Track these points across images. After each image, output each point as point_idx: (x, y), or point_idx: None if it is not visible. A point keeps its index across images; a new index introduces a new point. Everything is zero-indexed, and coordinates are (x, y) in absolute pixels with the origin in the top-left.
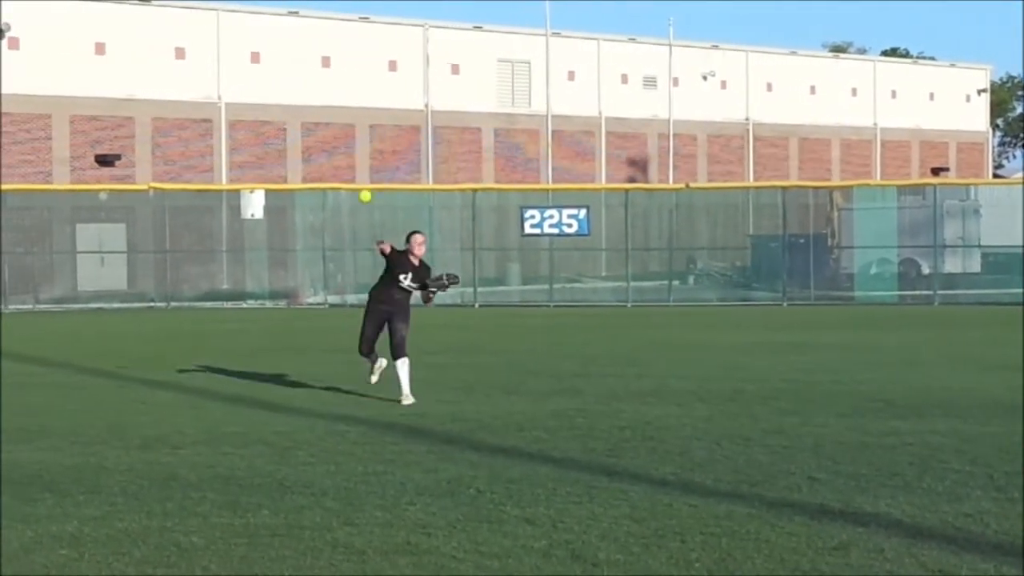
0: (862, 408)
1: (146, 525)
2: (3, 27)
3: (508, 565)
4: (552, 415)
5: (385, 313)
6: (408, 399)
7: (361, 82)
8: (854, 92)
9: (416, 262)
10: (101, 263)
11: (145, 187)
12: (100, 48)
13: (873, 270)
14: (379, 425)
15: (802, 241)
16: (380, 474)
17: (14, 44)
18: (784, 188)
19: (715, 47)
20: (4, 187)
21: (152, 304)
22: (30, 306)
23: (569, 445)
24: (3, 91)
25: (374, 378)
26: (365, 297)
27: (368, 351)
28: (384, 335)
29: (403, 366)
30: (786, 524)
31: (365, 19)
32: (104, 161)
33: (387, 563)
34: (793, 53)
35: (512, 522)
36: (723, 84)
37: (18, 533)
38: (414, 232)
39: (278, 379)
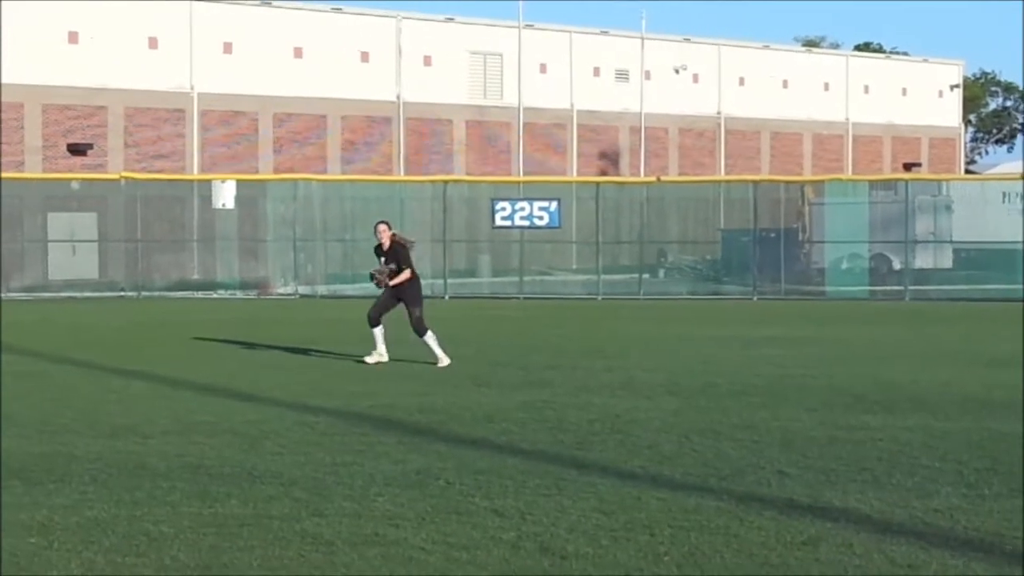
0: (832, 403)
1: (115, 514)
2: None
3: (477, 557)
4: (521, 407)
5: (393, 295)
6: (442, 362)
7: (333, 73)
8: (826, 87)
9: (385, 248)
10: (72, 252)
11: (117, 176)
12: (73, 37)
13: (844, 265)
14: (348, 416)
15: (773, 235)
16: (349, 465)
17: None
18: (755, 182)
19: (687, 40)
20: None
21: (123, 293)
22: (0, 294)
23: (538, 437)
24: None
25: (368, 359)
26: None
27: (372, 323)
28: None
29: (429, 340)
30: (755, 518)
31: (338, 10)
32: (76, 150)
33: (356, 554)
34: (766, 47)
35: (481, 514)
36: (695, 78)
37: None
38: (377, 223)
39: (247, 369)
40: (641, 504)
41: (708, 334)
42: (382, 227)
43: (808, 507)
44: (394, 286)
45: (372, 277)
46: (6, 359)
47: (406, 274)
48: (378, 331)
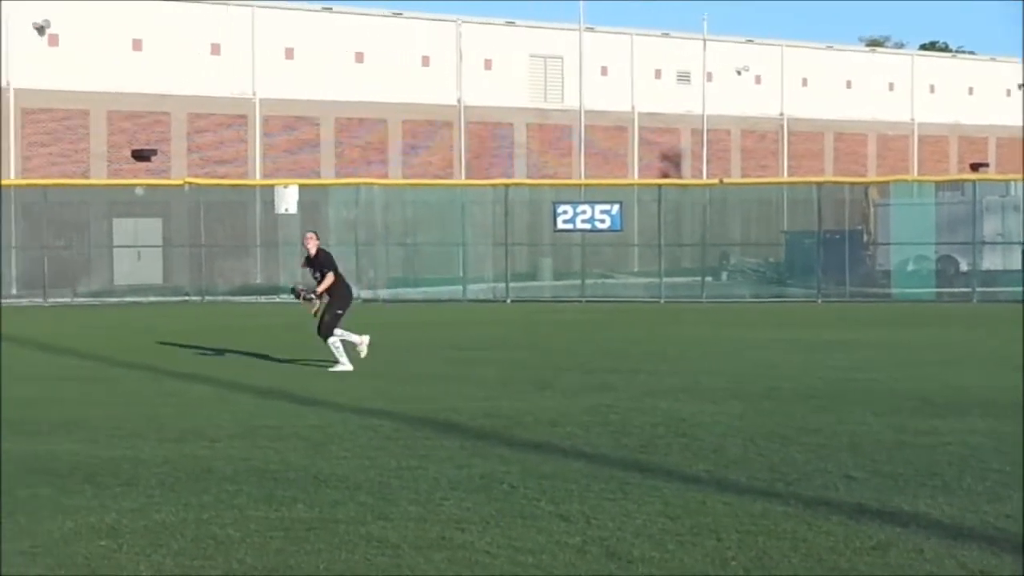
0: (899, 406)
1: (183, 517)
2: (43, 24)
3: (542, 561)
4: (585, 411)
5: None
6: (342, 367)
7: (394, 77)
8: (891, 87)
9: (312, 256)
10: (137, 257)
11: (180, 182)
12: (137, 44)
13: (910, 267)
14: (412, 420)
15: (837, 237)
16: (413, 469)
17: (54, 41)
18: (819, 184)
19: (750, 41)
20: (44, 182)
21: (187, 298)
22: (68, 299)
23: (602, 441)
24: (42, 87)
25: (362, 353)
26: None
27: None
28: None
29: (332, 344)
30: (823, 523)
31: (398, 15)
32: (140, 156)
33: (421, 558)
34: (829, 47)
35: (546, 518)
36: (757, 79)
37: (58, 524)
38: (306, 232)
39: (312, 373)
40: (707, 508)
41: (772, 337)
42: (310, 235)
43: (877, 512)
44: (321, 293)
45: (295, 292)
46: (73, 363)
47: (330, 278)
48: (338, 333)
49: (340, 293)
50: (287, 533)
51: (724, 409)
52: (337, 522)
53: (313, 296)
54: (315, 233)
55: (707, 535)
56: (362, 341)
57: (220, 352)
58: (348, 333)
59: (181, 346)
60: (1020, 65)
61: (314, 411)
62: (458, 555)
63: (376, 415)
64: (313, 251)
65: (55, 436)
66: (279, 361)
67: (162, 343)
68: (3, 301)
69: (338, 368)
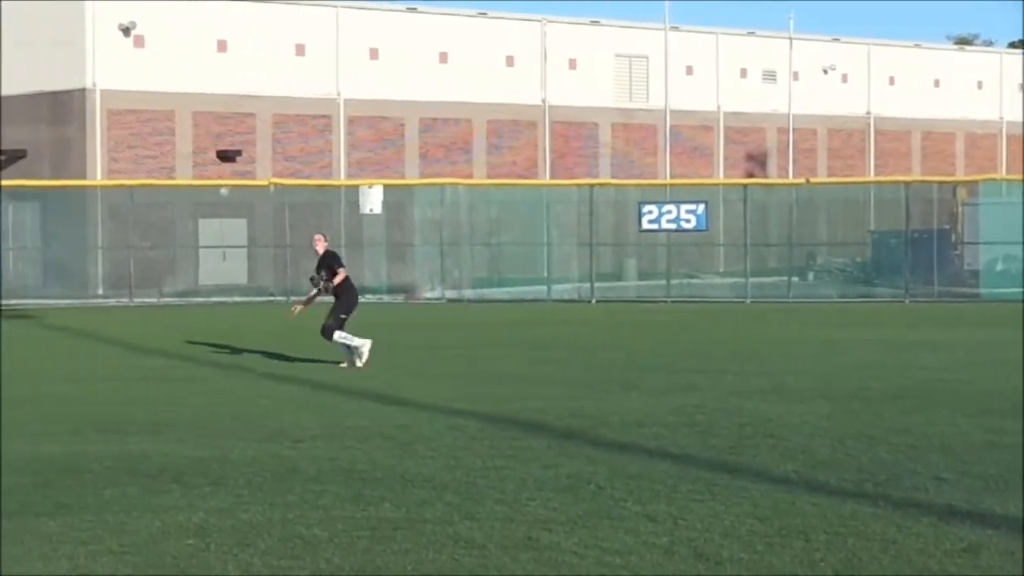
0: (989, 408)
1: (270, 517)
2: (129, 25)
3: (630, 562)
4: (671, 411)
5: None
6: (351, 366)
7: (478, 77)
8: (980, 85)
9: (320, 256)
10: (222, 258)
11: (265, 183)
12: (222, 45)
13: (999, 266)
14: (498, 420)
15: (925, 237)
16: (500, 469)
17: (139, 42)
18: (907, 183)
19: (836, 40)
20: (130, 183)
21: (272, 298)
22: (154, 300)
23: (689, 442)
24: (128, 88)
25: (359, 363)
26: (483, 292)
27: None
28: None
29: (338, 339)
30: (913, 524)
31: (483, 15)
32: (225, 157)
33: (508, 558)
34: (917, 46)
35: (633, 519)
36: (844, 78)
37: (147, 523)
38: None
39: (396, 373)
40: (796, 509)
41: (859, 337)
42: (319, 237)
43: (968, 513)
44: (335, 287)
45: (313, 280)
46: (161, 364)
47: (342, 273)
48: (339, 336)
49: (347, 296)
50: (374, 533)
51: (812, 409)
52: (424, 522)
53: (320, 288)
54: (324, 235)
55: (796, 536)
56: (364, 344)
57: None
58: (350, 336)
59: (268, 346)
60: None
61: (401, 411)
62: (545, 555)
63: (462, 415)
64: (321, 251)
65: (143, 436)
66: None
67: (249, 344)
68: (87, 301)
69: (362, 358)
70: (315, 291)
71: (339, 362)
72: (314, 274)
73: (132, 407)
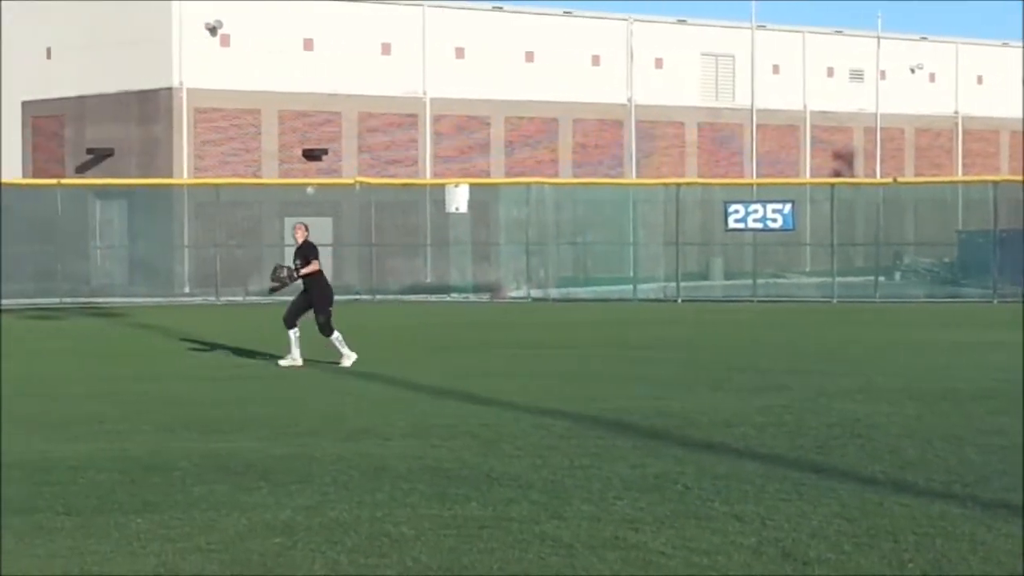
0: None
1: (357, 515)
2: (215, 24)
3: (717, 562)
4: (759, 411)
5: (306, 297)
6: (346, 360)
7: (564, 76)
8: None
9: (298, 245)
10: None
11: (352, 181)
12: (308, 44)
13: None
14: (583, 419)
15: (1013, 236)
16: (586, 468)
17: (225, 41)
18: (995, 182)
19: (924, 39)
20: (216, 181)
21: (358, 297)
22: (240, 298)
23: (776, 442)
24: (214, 87)
25: (282, 362)
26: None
27: (287, 325)
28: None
29: (335, 341)
30: (1002, 525)
31: (569, 14)
32: (311, 156)
33: (595, 557)
34: (1004, 45)
35: (720, 519)
36: (931, 77)
37: (233, 521)
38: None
39: (482, 372)
40: (884, 510)
41: (947, 338)
42: (299, 226)
43: None
44: (304, 276)
45: (277, 270)
46: (248, 362)
47: (316, 264)
48: (293, 333)
49: (324, 292)
50: (460, 531)
51: (900, 410)
52: (510, 520)
53: (286, 279)
54: (304, 225)
55: (884, 537)
56: (292, 357)
57: (392, 351)
58: (296, 342)
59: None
60: None
61: (487, 410)
62: (632, 555)
63: (548, 414)
64: (300, 240)
65: (231, 434)
66: (451, 360)
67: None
68: (174, 299)
69: (345, 362)
70: (277, 284)
71: (335, 361)
72: (280, 264)
73: (219, 405)
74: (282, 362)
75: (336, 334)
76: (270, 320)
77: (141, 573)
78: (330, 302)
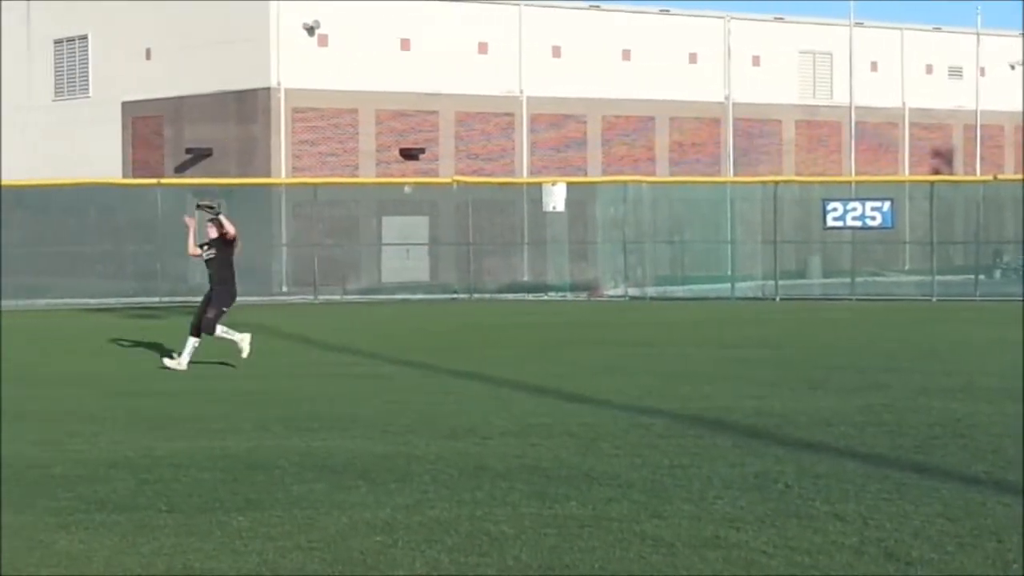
0: None
1: (457, 513)
2: (313, 24)
3: (819, 561)
4: (858, 410)
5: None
6: (179, 364)
7: (661, 74)
8: None
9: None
10: (406, 255)
11: (449, 181)
12: (405, 44)
13: None
14: (682, 418)
15: None
16: (686, 467)
17: (323, 41)
18: None
19: None
20: (314, 180)
21: (455, 296)
22: (338, 297)
23: (877, 441)
24: (312, 87)
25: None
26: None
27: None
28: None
29: (222, 336)
30: None
31: (665, 12)
32: (409, 155)
33: (696, 557)
34: None
35: (822, 518)
36: None
37: (334, 520)
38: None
39: (580, 371)
40: (987, 510)
41: None
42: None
43: None
44: (222, 276)
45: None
46: (346, 360)
47: (237, 244)
48: (220, 330)
49: (229, 289)
50: (560, 530)
51: (1001, 409)
52: (611, 520)
53: (212, 210)
54: (220, 222)
55: (987, 537)
56: (244, 338)
57: (491, 350)
58: (231, 330)
59: (452, 344)
60: None
61: (586, 409)
62: (733, 554)
63: (647, 413)
64: (215, 236)
65: (329, 432)
66: (549, 359)
67: (433, 341)
68: (272, 298)
69: (243, 352)
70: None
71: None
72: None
73: (317, 403)
74: (167, 361)
75: (220, 328)
76: (368, 319)
77: (243, 571)
78: (229, 303)
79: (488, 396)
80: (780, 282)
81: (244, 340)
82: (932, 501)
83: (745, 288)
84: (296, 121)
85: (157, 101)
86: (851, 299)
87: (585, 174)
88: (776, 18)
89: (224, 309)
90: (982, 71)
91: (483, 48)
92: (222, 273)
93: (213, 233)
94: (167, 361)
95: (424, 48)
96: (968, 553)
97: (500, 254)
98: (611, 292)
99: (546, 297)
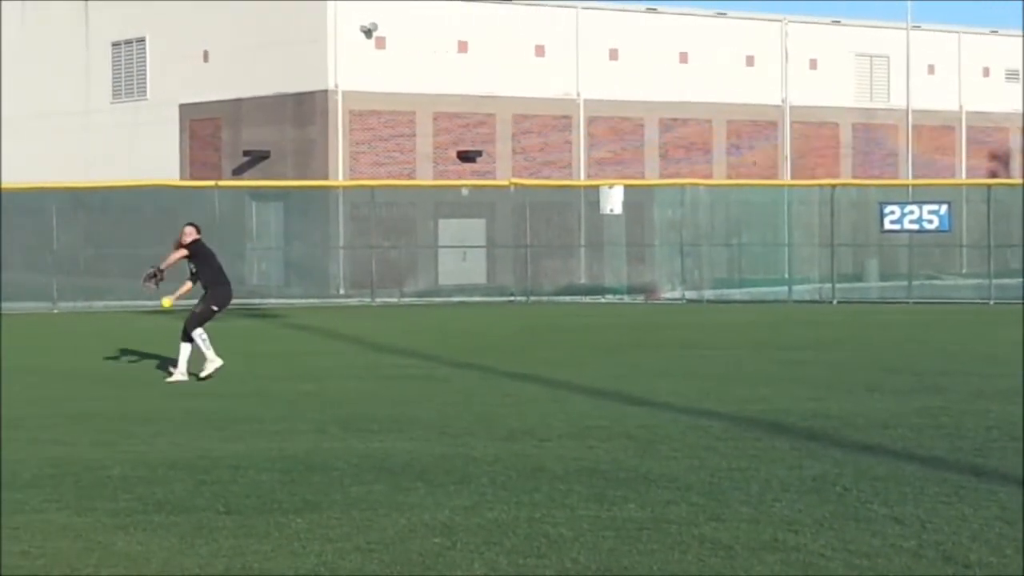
0: None
1: (515, 515)
2: (370, 27)
3: (878, 564)
4: (916, 413)
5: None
6: (176, 375)
7: (718, 77)
8: None
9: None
10: (463, 257)
11: (506, 183)
12: (463, 46)
13: None
14: (740, 421)
15: None
16: (744, 470)
17: (380, 44)
18: None
19: None
20: (371, 183)
21: (512, 298)
22: (395, 299)
23: (935, 444)
24: (369, 89)
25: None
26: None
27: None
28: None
29: (195, 339)
30: None
31: (722, 15)
32: (466, 157)
33: (755, 559)
34: None
35: (880, 521)
36: None
37: (392, 521)
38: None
39: (638, 373)
40: None
41: None
42: (188, 229)
43: None
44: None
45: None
46: (405, 362)
47: (187, 286)
48: (199, 331)
49: (223, 290)
50: (619, 533)
51: None
52: (669, 522)
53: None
54: (196, 226)
55: None
56: (214, 361)
57: (549, 352)
58: (208, 344)
59: (510, 346)
60: None
61: (644, 411)
62: (792, 557)
63: (705, 415)
64: (188, 240)
65: (388, 434)
66: (607, 361)
67: (491, 343)
68: (329, 300)
69: (204, 372)
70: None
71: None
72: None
73: (375, 405)
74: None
75: (200, 333)
76: (426, 321)
77: (301, 572)
78: (221, 303)
79: (546, 398)
80: (837, 285)
81: (213, 363)
82: (990, 504)
83: (802, 291)
84: (353, 123)
85: (215, 103)
86: (908, 302)
87: (642, 177)
88: (833, 21)
89: (215, 308)
90: None
91: (540, 50)
92: (207, 278)
93: (179, 254)
94: (170, 379)
95: (481, 50)
96: None
97: (557, 256)
98: (668, 295)
99: (603, 300)
